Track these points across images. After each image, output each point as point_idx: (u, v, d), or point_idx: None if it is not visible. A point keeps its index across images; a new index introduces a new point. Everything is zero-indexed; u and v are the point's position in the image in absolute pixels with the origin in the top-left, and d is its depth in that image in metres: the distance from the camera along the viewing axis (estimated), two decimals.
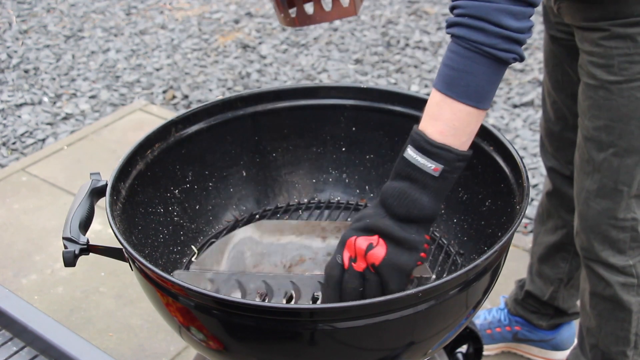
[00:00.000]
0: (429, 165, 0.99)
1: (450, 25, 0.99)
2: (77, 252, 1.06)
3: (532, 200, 2.25)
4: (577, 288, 1.82)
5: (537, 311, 1.91)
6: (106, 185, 1.17)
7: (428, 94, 1.05)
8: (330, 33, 3.88)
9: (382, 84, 3.39)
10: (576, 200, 1.51)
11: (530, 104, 3.23)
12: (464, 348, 1.57)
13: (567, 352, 1.94)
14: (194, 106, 1.64)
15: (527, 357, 2.00)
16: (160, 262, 1.26)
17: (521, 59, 0.99)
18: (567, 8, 1.39)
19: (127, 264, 1.12)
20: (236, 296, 1.12)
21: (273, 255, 1.22)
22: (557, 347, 1.95)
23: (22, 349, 1.05)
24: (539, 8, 1.16)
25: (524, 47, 1.26)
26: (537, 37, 3.70)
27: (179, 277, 1.12)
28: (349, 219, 1.40)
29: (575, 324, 1.92)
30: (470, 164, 1.31)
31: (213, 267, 1.20)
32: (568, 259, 1.79)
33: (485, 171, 1.27)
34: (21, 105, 3.35)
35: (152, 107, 3.18)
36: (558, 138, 1.67)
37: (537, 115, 3.14)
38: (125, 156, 1.23)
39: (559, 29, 1.53)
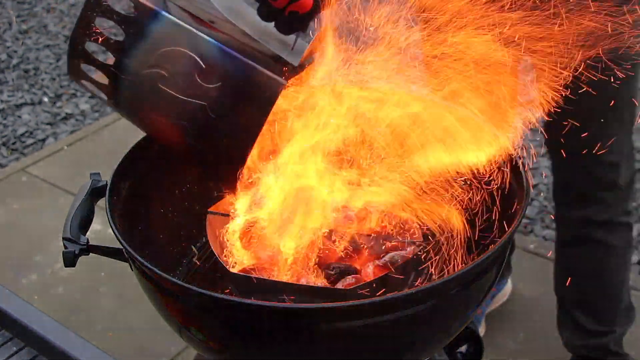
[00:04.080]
0: None
1: None
2: (77, 252, 1.06)
3: (532, 200, 2.25)
4: None
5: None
6: (106, 185, 1.17)
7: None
8: None
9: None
10: None
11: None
12: (464, 348, 1.57)
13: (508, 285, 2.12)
14: None
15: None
16: (160, 262, 1.26)
17: None
18: None
19: (127, 264, 1.12)
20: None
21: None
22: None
23: (22, 349, 1.05)
24: None
25: None
26: None
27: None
28: None
29: None
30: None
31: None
32: None
33: (485, 171, 1.26)
34: (21, 105, 3.35)
35: None
36: None
37: (536, 115, 3.13)
38: (125, 156, 1.22)
39: None
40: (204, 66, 1.05)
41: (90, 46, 1.11)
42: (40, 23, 4.08)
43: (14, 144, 3.10)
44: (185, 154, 1.16)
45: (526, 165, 1.18)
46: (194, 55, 1.05)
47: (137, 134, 1.25)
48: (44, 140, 3.10)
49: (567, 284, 1.78)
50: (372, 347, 1.00)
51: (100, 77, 1.14)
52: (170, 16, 1.08)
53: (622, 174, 1.65)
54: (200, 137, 1.09)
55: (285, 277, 1.11)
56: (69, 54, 1.12)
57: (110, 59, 1.11)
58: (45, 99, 3.39)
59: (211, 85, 1.05)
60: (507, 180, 1.21)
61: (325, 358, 1.01)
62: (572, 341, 1.85)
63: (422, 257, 1.17)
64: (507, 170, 1.21)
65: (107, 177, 1.19)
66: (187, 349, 2.00)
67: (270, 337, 0.98)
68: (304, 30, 1.10)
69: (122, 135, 2.96)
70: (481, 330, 2.04)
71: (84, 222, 1.12)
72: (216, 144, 1.09)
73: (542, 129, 1.56)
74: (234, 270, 1.15)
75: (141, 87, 1.10)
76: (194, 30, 1.07)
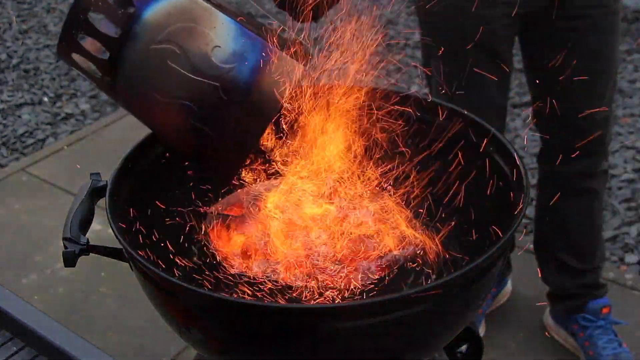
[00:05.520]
0: None
1: None
2: (77, 252, 1.06)
3: (532, 200, 2.25)
4: None
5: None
6: (106, 185, 1.17)
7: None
8: (330, 33, 3.88)
9: (382, 84, 3.39)
10: None
11: (530, 104, 3.23)
12: (464, 348, 1.57)
13: (508, 286, 2.16)
14: None
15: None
16: (160, 262, 1.26)
17: None
18: None
19: (128, 264, 1.12)
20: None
21: None
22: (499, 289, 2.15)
23: (22, 349, 1.05)
24: None
25: None
26: None
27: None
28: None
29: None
30: (470, 164, 1.31)
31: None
32: None
33: (485, 171, 1.27)
34: (21, 105, 3.35)
35: None
36: None
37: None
38: (125, 156, 1.22)
39: None
40: (220, 46, 1.00)
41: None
42: (40, 23, 4.08)
43: (14, 144, 3.10)
44: (183, 141, 1.10)
45: (526, 165, 1.18)
46: (211, 34, 1.00)
47: (137, 134, 1.25)
48: (44, 140, 3.10)
49: (556, 231, 1.93)
50: (372, 347, 1.00)
51: (97, 51, 1.06)
52: None
53: (609, 127, 1.79)
54: (208, 119, 1.03)
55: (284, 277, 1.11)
56: (65, 22, 1.04)
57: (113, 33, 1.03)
58: (45, 99, 3.39)
59: (227, 66, 1.00)
60: (507, 180, 1.21)
61: (325, 358, 1.01)
62: (561, 283, 1.96)
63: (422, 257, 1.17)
64: (507, 169, 1.22)
65: (107, 177, 1.19)
66: (187, 349, 2.00)
67: (271, 337, 0.98)
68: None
69: (122, 135, 2.96)
70: (481, 330, 2.04)
71: (84, 222, 1.12)
72: (225, 127, 1.04)
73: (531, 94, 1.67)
74: (234, 271, 1.15)
75: (147, 63, 1.04)
76: (213, 8, 1.02)
